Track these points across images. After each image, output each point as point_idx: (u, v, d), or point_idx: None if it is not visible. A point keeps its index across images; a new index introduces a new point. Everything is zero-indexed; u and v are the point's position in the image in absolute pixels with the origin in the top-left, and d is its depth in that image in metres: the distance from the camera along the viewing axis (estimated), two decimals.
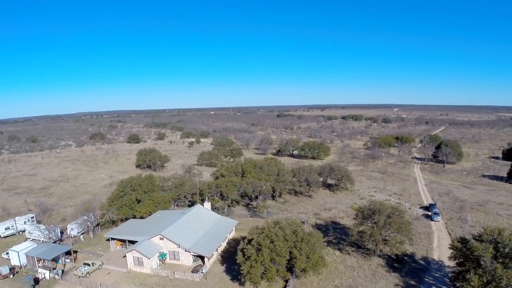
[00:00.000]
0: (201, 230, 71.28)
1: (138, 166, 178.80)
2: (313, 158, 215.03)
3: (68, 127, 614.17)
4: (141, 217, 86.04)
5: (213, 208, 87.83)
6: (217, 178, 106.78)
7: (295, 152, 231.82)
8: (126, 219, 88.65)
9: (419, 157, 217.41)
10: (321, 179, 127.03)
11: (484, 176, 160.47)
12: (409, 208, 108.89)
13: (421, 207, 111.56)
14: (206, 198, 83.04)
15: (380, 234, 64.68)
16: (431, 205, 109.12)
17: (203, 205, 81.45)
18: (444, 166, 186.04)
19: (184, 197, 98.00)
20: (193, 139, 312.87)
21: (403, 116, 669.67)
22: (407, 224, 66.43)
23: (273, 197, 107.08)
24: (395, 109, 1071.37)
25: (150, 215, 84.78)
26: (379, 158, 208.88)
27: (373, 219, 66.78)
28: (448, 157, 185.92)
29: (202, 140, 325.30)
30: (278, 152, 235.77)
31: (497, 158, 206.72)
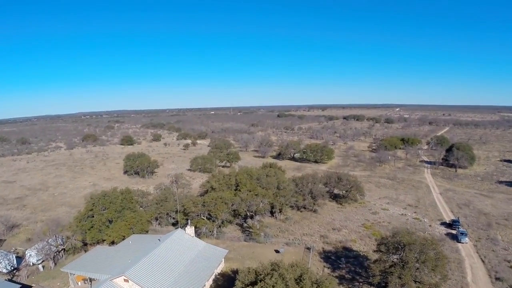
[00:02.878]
0: (180, 265, 56.43)
1: (126, 172, 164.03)
2: (316, 162, 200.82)
3: (65, 128, 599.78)
4: (113, 242, 71.56)
5: (198, 235, 73.13)
6: (206, 191, 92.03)
7: (297, 155, 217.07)
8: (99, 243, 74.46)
9: (428, 160, 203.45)
10: (327, 188, 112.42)
11: (500, 182, 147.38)
12: (430, 226, 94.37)
13: (442, 224, 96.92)
14: (189, 221, 68.16)
15: (411, 275, 49.79)
16: (454, 221, 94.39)
17: (185, 230, 66.32)
18: (456, 171, 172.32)
19: (167, 214, 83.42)
20: (189, 141, 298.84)
21: (406, 116, 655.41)
22: (444, 259, 51.78)
23: (272, 213, 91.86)
24: (397, 109, 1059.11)
25: (123, 239, 70.33)
26: (386, 161, 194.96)
27: (400, 254, 52.16)
28: (460, 161, 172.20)
29: (199, 141, 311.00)
30: (279, 155, 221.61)
31: (509, 161, 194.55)
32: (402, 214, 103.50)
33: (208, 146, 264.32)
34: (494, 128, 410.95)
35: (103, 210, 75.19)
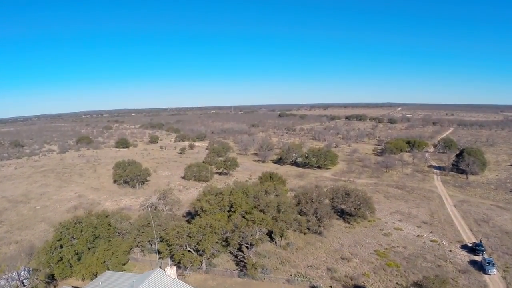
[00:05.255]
0: None
1: (116, 181, 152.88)
2: (319, 167, 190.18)
3: (62, 128, 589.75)
4: (83, 279, 60.77)
5: (183, 270, 61.85)
6: (196, 213, 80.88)
7: (299, 160, 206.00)
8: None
9: (437, 165, 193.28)
10: (333, 204, 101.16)
11: None
12: (450, 251, 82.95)
13: (463, 247, 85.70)
14: (169, 261, 56.95)
15: None
16: (477, 245, 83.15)
17: (165, 270, 55.03)
18: (467, 177, 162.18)
19: (149, 242, 72.24)
20: (187, 143, 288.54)
21: (408, 115, 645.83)
22: None
23: (271, 237, 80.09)
24: (399, 108, 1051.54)
25: (96, 275, 59.49)
26: (393, 167, 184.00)
27: None
28: (471, 167, 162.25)
29: (197, 144, 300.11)
30: (280, 160, 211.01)
31: None
32: (418, 235, 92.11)
33: (206, 149, 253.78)
34: (499, 129, 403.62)
35: (73, 239, 64.31)
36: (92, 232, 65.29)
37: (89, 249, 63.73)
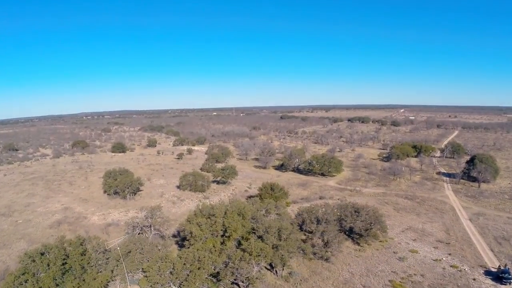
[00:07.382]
0: None
1: (105, 191, 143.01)
2: (323, 174, 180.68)
3: (61, 130, 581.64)
4: None
5: None
6: (185, 238, 70.96)
7: (302, 166, 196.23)
8: None
9: (446, 172, 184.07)
10: (342, 223, 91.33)
11: None
12: (473, 279, 72.70)
13: (487, 273, 75.71)
14: None
15: None
16: (503, 272, 73.29)
17: None
18: (479, 186, 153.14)
19: (130, 272, 62.71)
20: (185, 147, 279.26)
21: (411, 118, 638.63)
22: None
23: (271, 265, 70.00)
24: (401, 110, 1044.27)
25: None
26: (401, 174, 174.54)
27: None
28: (483, 175, 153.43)
29: (196, 148, 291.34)
30: (281, 166, 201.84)
31: None
32: (436, 259, 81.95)
33: (206, 153, 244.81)
34: (504, 132, 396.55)
35: (39, 274, 54.80)
36: (62, 265, 55.65)
37: (57, 285, 54.23)
